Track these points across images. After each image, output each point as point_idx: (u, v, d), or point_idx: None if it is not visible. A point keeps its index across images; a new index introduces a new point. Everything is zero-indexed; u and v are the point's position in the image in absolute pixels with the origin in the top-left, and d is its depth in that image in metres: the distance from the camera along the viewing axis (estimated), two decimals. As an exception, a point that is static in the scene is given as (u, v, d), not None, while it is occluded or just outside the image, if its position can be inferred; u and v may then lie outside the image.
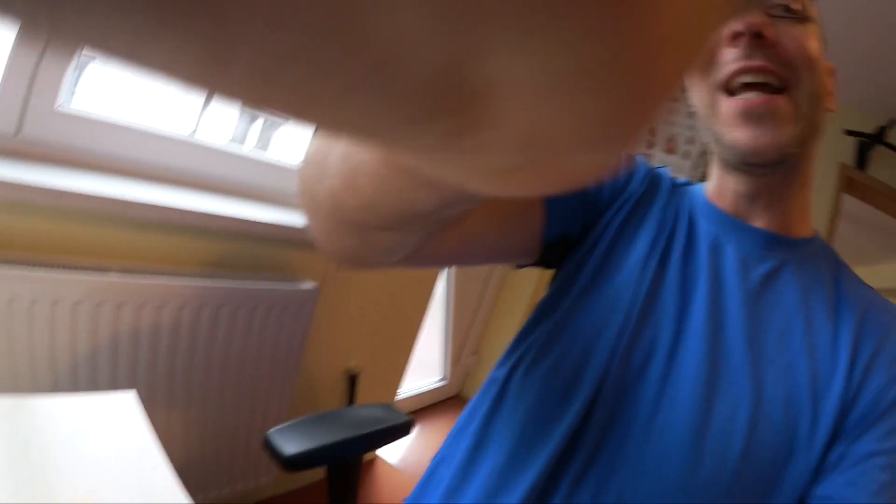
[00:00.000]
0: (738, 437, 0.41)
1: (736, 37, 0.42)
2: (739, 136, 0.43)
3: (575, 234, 0.52)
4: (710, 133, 0.47)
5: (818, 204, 2.45)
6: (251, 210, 1.08)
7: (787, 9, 0.44)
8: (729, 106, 0.43)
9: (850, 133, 2.37)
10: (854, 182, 2.42)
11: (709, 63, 0.45)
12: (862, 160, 2.43)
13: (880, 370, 0.42)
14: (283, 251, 1.19)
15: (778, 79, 0.42)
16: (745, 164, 0.45)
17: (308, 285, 1.17)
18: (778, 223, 0.49)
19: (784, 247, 0.49)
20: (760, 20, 0.42)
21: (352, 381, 1.50)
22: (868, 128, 2.39)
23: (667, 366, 0.44)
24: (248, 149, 1.29)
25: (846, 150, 2.48)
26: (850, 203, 2.58)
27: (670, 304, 0.46)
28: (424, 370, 2.24)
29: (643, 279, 0.47)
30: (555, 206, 0.48)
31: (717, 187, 0.52)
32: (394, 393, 1.80)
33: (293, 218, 1.14)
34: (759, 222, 0.49)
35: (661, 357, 0.44)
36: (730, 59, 0.43)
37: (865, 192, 2.53)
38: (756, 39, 0.42)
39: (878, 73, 2.18)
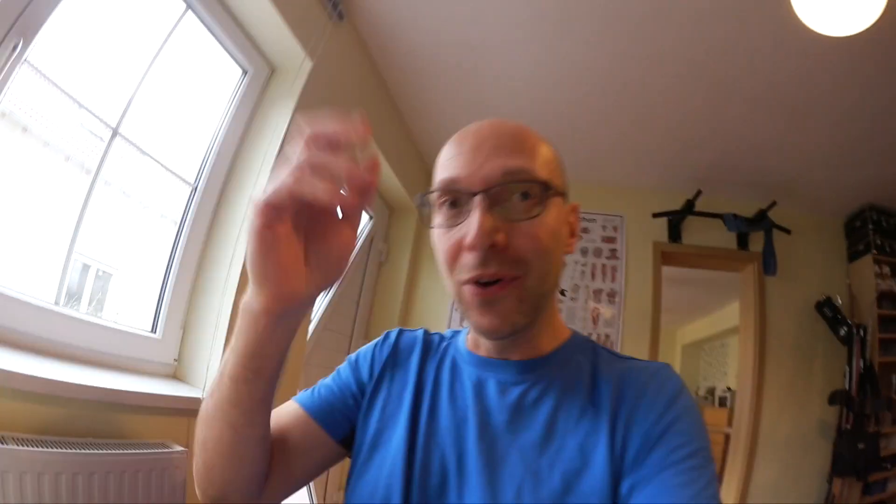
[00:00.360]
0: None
1: (473, 246, 0.48)
2: (478, 319, 0.52)
3: (355, 418, 0.63)
4: (459, 308, 0.56)
5: (643, 280, 2.98)
6: (106, 377, 1.14)
7: (525, 195, 0.50)
8: (470, 294, 0.51)
9: (656, 215, 2.93)
10: (668, 254, 2.97)
11: (454, 262, 0.52)
12: (676, 232, 2.98)
13: (641, 420, 0.50)
14: (144, 417, 1.20)
15: (508, 274, 0.50)
16: (485, 337, 0.56)
17: (176, 448, 1.15)
18: (529, 352, 0.58)
19: (537, 367, 0.57)
20: (491, 233, 0.48)
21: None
22: (678, 204, 2.97)
23: (459, 485, 0.52)
24: (84, 308, 1.40)
25: (661, 228, 3.04)
26: (671, 271, 3.14)
27: (448, 440, 0.55)
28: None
29: (417, 429, 0.57)
30: (325, 418, 0.61)
31: (474, 340, 0.62)
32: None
33: (145, 384, 1.20)
34: (514, 357, 0.58)
35: (453, 480, 0.53)
36: (468, 263, 0.50)
37: (681, 259, 3.11)
38: (490, 250, 0.48)
39: (681, 153, 2.73)
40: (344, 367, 0.68)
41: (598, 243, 2.87)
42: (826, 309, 3.11)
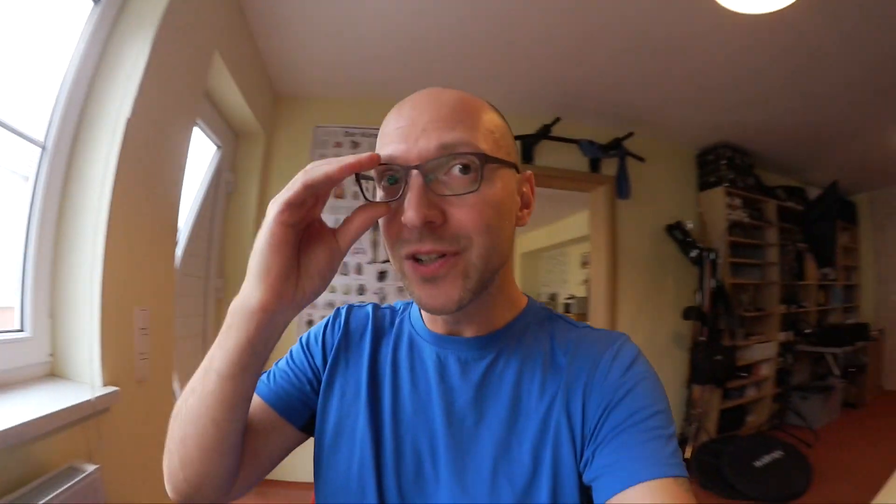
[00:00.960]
0: (491, 478, 0.52)
1: (408, 224, 0.47)
2: (421, 294, 0.51)
3: (314, 404, 0.63)
4: (404, 285, 0.54)
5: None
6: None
7: (465, 168, 0.48)
8: (411, 270, 0.51)
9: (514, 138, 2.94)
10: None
11: (396, 238, 0.51)
12: (529, 154, 3.02)
13: (598, 390, 0.52)
14: (41, 443, 0.99)
15: (448, 250, 0.49)
16: (431, 314, 0.55)
17: (87, 469, 1.01)
18: (485, 326, 0.58)
19: (495, 340, 0.58)
20: (425, 210, 0.47)
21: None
22: (534, 129, 3.00)
23: (434, 469, 0.54)
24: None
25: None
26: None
27: (417, 424, 0.56)
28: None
29: (381, 416, 0.58)
30: (284, 407, 0.61)
31: (428, 315, 0.61)
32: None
33: (26, 401, 1.00)
34: (469, 332, 0.58)
35: (428, 464, 0.55)
36: (407, 239, 0.49)
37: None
38: (426, 226, 0.47)
39: (544, 84, 2.75)
40: (297, 350, 0.66)
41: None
42: (677, 232, 3.25)
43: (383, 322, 0.66)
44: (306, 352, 0.65)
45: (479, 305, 0.55)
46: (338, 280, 2.72)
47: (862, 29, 2.27)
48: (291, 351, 0.67)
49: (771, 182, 4.05)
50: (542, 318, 0.61)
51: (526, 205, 0.58)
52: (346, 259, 2.72)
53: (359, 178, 0.51)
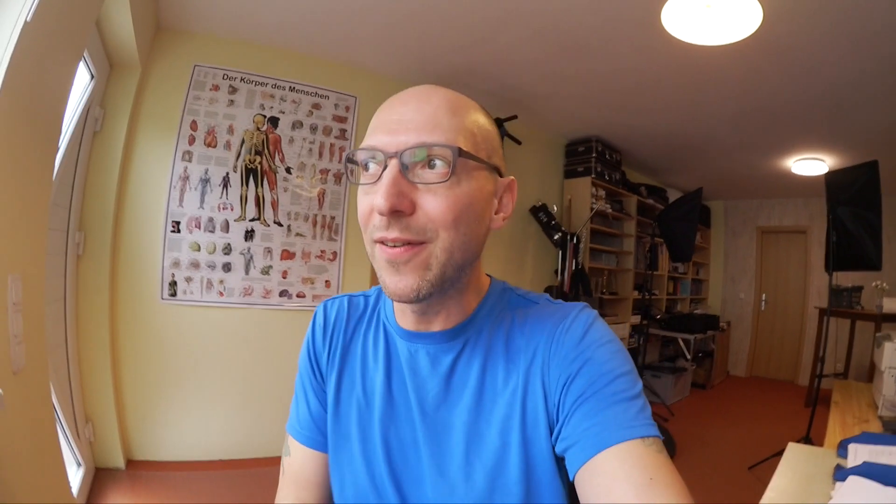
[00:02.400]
0: (465, 461, 0.56)
1: (378, 210, 0.49)
2: (386, 279, 0.52)
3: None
4: (376, 271, 0.55)
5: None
6: None
7: (441, 162, 0.49)
8: (379, 253, 0.52)
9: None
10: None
11: (368, 222, 0.52)
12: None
13: (557, 364, 0.53)
14: None
15: (412, 240, 0.50)
16: (395, 300, 0.55)
17: None
18: (452, 319, 0.59)
19: (461, 332, 0.59)
20: (395, 198, 0.48)
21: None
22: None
23: (415, 451, 0.58)
24: None
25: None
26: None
27: (399, 417, 0.60)
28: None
29: (366, 411, 0.61)
30: (319, 442, 0.66)
31: (399, 310, 0.62)
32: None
33: None
34: (437, 326, 0.59)
35: (411, 447, 0.59)
36: (376, 224, 0.51)
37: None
38: (394, 214, 0.49)
39: (439, 55, 2.76)
40: (305, 373, 0.68)
41: (328, 121, 2.83)
42: (542, 214, 3.49)
43: (357, 313, 0.68)
44: (314, 369, 0.67)
45: (446, 300, 0.57)
46: (203, 237, 2.57)
47: (768, 66, 2.54)
48: (301, 376, 0.69)
49: (636, 179, 4.47)
50: (503, 299, 0.62)
51: (503, 210, 0.59)
52: (212, 215, 2.61)
53: (347, 162, 0.55)
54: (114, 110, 2.43)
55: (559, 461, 0.53)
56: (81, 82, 2.13)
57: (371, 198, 0.51)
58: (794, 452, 1.21)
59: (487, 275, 0.65)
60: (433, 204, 0.49)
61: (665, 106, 3.16)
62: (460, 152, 0.49)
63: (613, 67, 2.71)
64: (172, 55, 2.56)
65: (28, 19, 1.05)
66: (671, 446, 3.06)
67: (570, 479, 0.49)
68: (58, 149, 1.44)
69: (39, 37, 1.14)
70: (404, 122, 0.50)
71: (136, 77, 2.43)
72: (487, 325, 0.59)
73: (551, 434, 0.53)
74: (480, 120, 0.55)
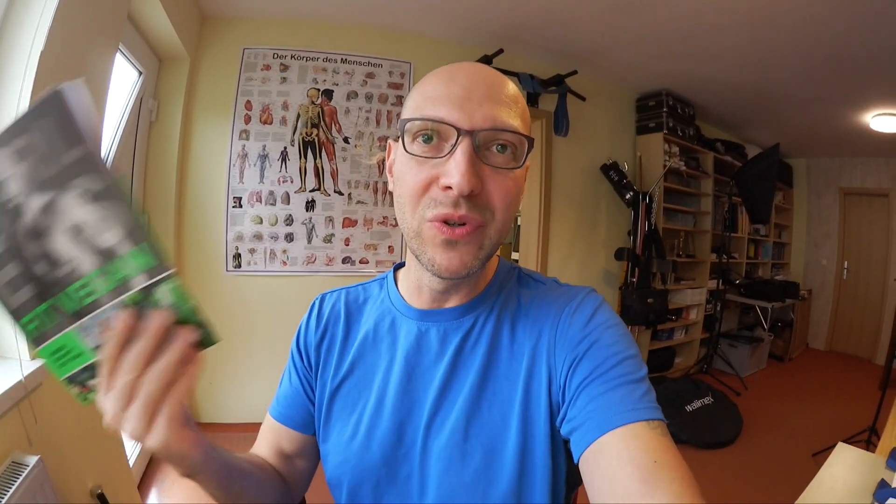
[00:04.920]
0: (463, 437, 0.56)
1: (452, 187, 0.48)
2: (436, 256, 0.51)
3: (314, 401, 0.67)
4: (412, 245, 0.54)
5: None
6: None
7: (504, 147, 0.51)
8: (434, 232, 0.51)
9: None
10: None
11: (421, 196, 0.51)
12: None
13: (563, 346, 0.54)
14: None
15: (475, 219, 0.50)
16: (439, 277, 0.54)
17: (29, 461, 0.93)
18: (465, 296, 0.60)
19: (472, 307, 0.60)
20: (472, 178, 0.48)
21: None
22: (474, 58, 2.90)
23: (426, 432, 0.58)
24: None
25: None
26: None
27: (396, 396, 0.59)
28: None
29: (368, 393, 0.62)
30: (301, 423, 0.67)
31: (416, 283, 0.61)
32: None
33: None
34: (452, 303, 0.60)
35: (419, 428, 0.58)
36: (439, 200, 0.50)
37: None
38: (465, 194, 0.49)
39: (487, 11, 2.69)
40: (296, 358, 0.69)
41: (383, 89, 2.73)
42: (612, 173, 3.26)
43: (358, 303, 0.68)
44: (303, 357, 0.68)
45: (468, 281, 0.59)
46: (265, 210, 2.62)
47: (829, 13, 2.29)
48: (292, 359, 0.70)
49: (711, 135, 4.11)
50: (511, 278, 0.64)
51: (521, 191, 0.59)
52: (272, 189, 2.65)
53: (402, 130, 0.52)
54: (167, 101, 2.51)
55: (555, 445, 0.54)
56: (129, 79, 2.25)
57: (430, 171, 0.50)
58: (841, 455, 1.05)
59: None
60: (498, 186, 0.50)
61: (732, 52, 2.85)
62: (530, 144, 0.52)
63: (673, 11, 2.46)
64: (220, 42, 2.60)
65: (42, 48, 1.12)
66: (738, 425, 2.81)
67: (575, 461, 0.49)
68: (100, 144, 1.46)
69: (70, 30, 1.21)
70: (475, 93, 0.50)
71: (186, 67, 2.50)
72: (498, 302, 0.60)
73: (550, 415, 0.53)
74: (525, 105, 0.56)
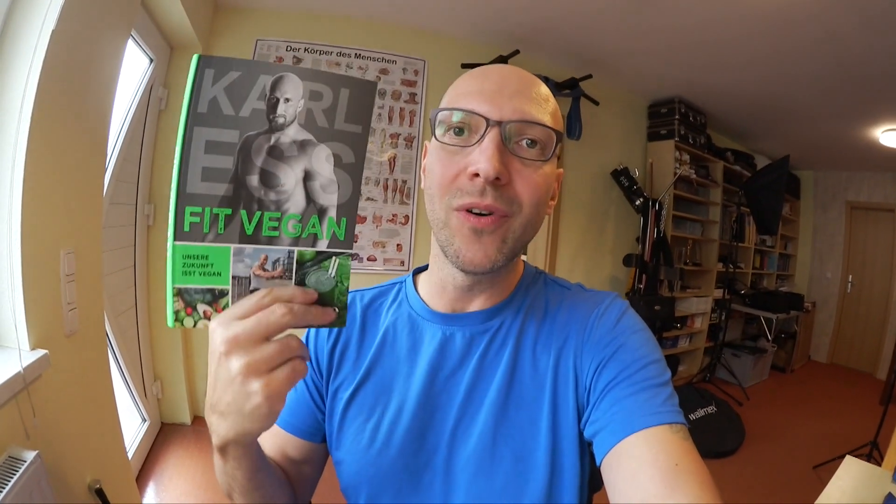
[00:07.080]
0: (492, 442, 0.55)
1: (480, 175, 0.48)
2: (461, 247, 0.51)
3: (323, 409, 0.65)
4: (440, 237, 0.54)
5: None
6: None
7: (533, 142, 0.51)
8: (460, 221, 0.51)
9: (465, 65, 2.84)
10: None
11: (450, 186, 0.51)
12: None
13: (589, 350, 0.54)
14: None
15: (501, 210, 0.50)
16: (463, 270, 0.53)
17: (27, 456, 0.91)
18: (491, 299, 0.59)
19: (497, 312, 0.59)
20: (499, 166, 0.48)
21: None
22: (489, 59, 2.89)
23: (451, 438, 0.57)
24: None
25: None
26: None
27: (420, 401, 0.58)
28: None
29: (389, 397, 0.60)
30: (309, 431, 0.65)
31: (439, 282, 0.60)
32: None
33: None
34: (475, 306, 0.60)
35: (443, 435, 0.57)
36: (466, 189, 0.50)
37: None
38: (493, 182, 0.49)
39: (503, 11, 2.58)
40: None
41: (396, 86, 2.71)
42: (623, 178, 3.24)
43: (372, 307, 0.67)
44: (313, 362, 0.66)
45: (496, 277, 0.58)
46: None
47: (846, 30, 2.29)
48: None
49: (721, 144, 4.10)
50: (537, 280, 0.64)
51: (553, 197, 0.59)
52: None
53: (435, 121, 0.53)
54: (178, 89, 2.47)
55: (582, 446, 0.54)
56: (140, 66, 2.21)
57: (461, 161, 0.50)
58: (849, 468, 1.07)
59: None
60: (525, 179, 0.50)
61: (748, 63, 2.84)
62: (558, 139, 0.52)
63: (689, 20, 2.44)
64: (233, 32, 2.57)
65: (53, 27, 1.05)
66: (740, 434, 2.79)
67: (598, 464, 0.48)
68: (108, 130, 1.44)
69: (83, 10, 1.17)
70: (507, 88, 0.51)
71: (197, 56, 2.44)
72: (524, 306, 0.60)
73: (579, 419, 0.53)
74: (557, 106, 0.56)
